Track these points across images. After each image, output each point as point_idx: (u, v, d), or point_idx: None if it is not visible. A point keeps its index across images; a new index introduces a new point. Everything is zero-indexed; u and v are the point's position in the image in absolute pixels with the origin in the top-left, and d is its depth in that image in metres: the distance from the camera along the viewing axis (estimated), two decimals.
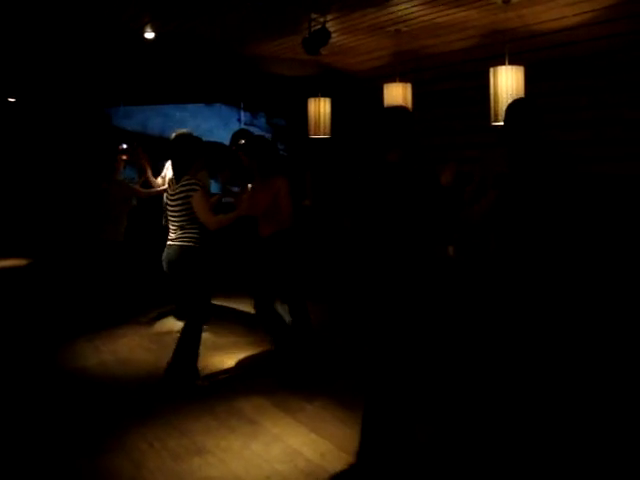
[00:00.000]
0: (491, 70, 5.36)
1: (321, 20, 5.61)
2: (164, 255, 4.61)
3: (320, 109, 7.05)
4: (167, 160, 6.51)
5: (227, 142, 5.93)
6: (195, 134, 6.46)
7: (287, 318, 4.99)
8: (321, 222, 8.25)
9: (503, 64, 5.35)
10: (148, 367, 5.10)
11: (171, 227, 4.62)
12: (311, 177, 8.74)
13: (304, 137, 7.34)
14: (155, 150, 7.67)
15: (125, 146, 8.03)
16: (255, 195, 4.82)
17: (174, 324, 6.25)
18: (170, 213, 4.61)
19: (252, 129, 8.91)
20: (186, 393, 4.46)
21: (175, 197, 4.54)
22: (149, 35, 6.06)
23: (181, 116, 8.92)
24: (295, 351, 4.89)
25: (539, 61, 5.80)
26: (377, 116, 3.37)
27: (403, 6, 5.36)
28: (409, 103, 6.33)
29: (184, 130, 6.44)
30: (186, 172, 4.57)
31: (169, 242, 4.60)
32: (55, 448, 3.71)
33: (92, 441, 3.79)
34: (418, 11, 5.50)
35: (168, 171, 6.40)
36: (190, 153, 4.61)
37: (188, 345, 4.57)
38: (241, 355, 5.33)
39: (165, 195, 5.07)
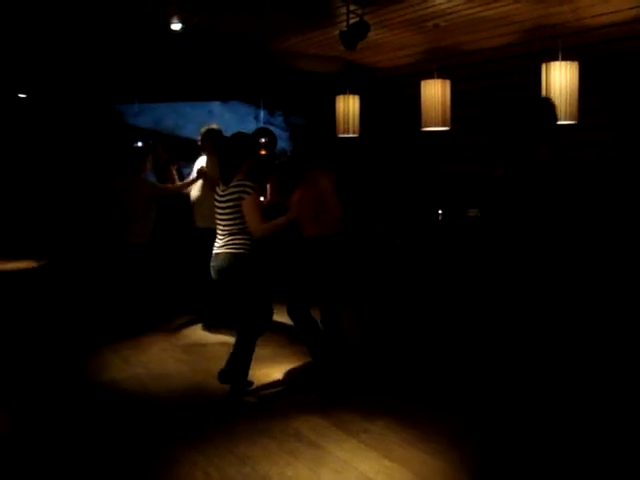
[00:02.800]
0: (543, 66, 5.13)
1: (359, 12, 5.34)
2: (212, 263, 4.27)
3: (349, 107, 6.80)
4: (195, 160, 6.20)
5: None
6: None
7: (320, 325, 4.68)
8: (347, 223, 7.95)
9: (554, 60, 5.12)
10: (184, 382, 4.76)
11: (219, 233, 4.28)
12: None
13: (330, 136, 7.05)
14: (169, 148, 7.37)
15: (140, 144, 7.71)
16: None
17: (203, 334, 5.98)
18: (218, 217, 4.27)
19: (270, 127, 8.64)
20: (235, 411, 4.14)
21: (224, 200, 4.20)
22: (176, 26, 5.72)
23: (196, 113, 8.57)
24: (332, 360, 4.62)
25: (592, 57, 5.54)
26: (523, 108, 3.20)
27: None
28: (448, 100, 6.09)
29: (214, 125, 6.15)
30: (236, 173, 4.23)
31: (216, 250, 4.26)
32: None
33: (138, 471, 3.43)
34: (461, 4, 5.23)
35: (194, 173, 6.07)
36: (240, 152, 4.24)
37: (241, 357, 4.24)
38: (285, 367, 5.00)
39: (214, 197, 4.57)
